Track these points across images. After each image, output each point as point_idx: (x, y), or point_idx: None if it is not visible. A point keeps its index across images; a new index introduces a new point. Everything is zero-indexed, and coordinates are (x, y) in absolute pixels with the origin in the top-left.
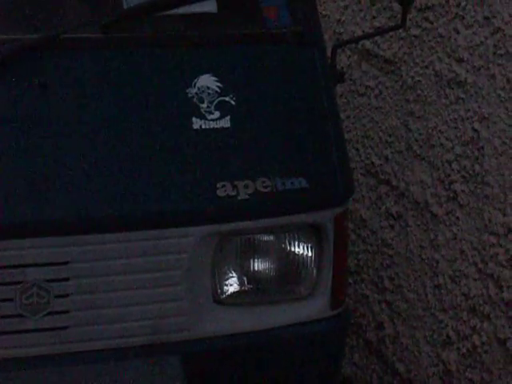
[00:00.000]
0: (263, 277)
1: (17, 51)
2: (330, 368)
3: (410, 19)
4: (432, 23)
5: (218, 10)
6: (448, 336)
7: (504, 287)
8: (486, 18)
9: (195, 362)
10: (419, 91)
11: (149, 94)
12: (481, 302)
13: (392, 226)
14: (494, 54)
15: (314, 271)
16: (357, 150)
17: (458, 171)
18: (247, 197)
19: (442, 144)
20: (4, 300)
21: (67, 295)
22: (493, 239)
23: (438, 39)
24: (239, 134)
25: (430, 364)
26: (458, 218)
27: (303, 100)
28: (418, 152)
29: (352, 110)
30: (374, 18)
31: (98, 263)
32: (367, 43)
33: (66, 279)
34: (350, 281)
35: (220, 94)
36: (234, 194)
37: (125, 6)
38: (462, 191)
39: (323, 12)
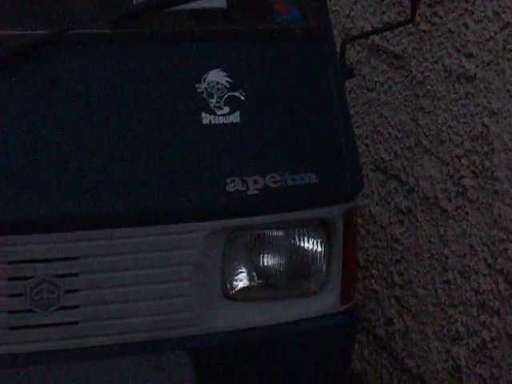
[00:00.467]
0: (273, 272)
1: (25, 47)
2: (339, 363)
3: (419, 14)
4: (441, 18)
5: (227, 5)
6: (458, 331)
7: None
8: (496, 13)
9: (204, 357)
10: (428, 86)
11: (158, 90)
12: (490, 297)
13: (401, 222)
14: (504, 48)
15: (324, 266)
16: (366, 145)
17: (468, 166)
18: (257, 192)
19: (451, 139)
20: (14, 295)
21: (77, 290)
22: (502, 234)
23: (448, 34)
24: (249, 129)
25: (440, 359)
26: (467, 213)
27: (313, 95)
28: (428, 147)
29: (361, 106)
30: (383, 13)
31: (107, 258)
32: (376, 38)
33: (76, 274)
34: (359, 276)
35: (229, 89)
36: (243, 189)
37: (134, 2)
38: (472, 186)
39: (333, 7)
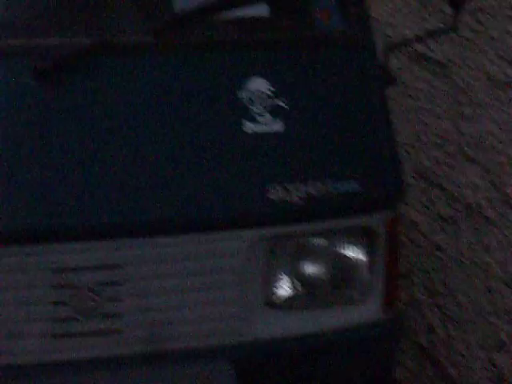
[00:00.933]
0: (315, 280)
1: (69, 55)
2: (382, 373)
3: (461, 21)
4: (483, 25)
5: (269, 13)
6: (501, 340)
7: None
8: None
9: (247, 366)
10: (471, 93)
11: (200, 98)
12: None
13: (444, 229)
14: None
15: (366, 275)
16: (408, 153)
17: (511, 174)
18: (299, 200)
19: (494, 146)
20: (58, 303)
21: (120, 299)
22: None
23: (490, 41)
24: (291, 137)
25: (483, 368)
26: (510, 220)
27: (355, 103)
28: (470, 155)
29: (403, 113)
30: (425, 20)
31: (150, 266)
32: (418, 46)
33: (119, 283)
34: (401, 284)
35: (272, 97)
36: (285, 196)
37: (176, 11)
38: None
39: (374, 15)
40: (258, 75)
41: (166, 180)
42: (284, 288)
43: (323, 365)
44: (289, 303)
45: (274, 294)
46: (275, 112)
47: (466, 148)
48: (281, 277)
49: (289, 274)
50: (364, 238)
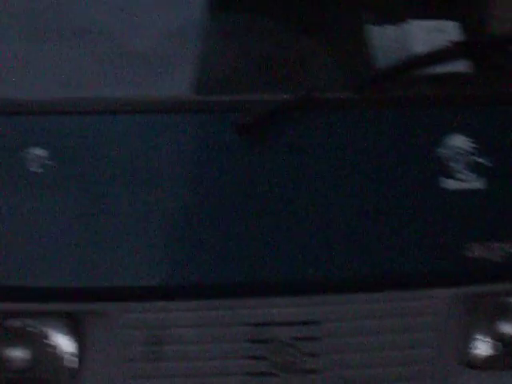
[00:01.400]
0: None
1: (269, 112)
2: None
3: None
4: None
5: (467, 69)
6: None
7: None
8: None
9: None
10: None
11: (398, 154)
12: None
13: None
14: None
15: None
16: None
17: None
18: (498, 258)
19: None
20: (256, 357)
21: (317, 354)
22: None
23: None
24: (491, 196)
25: None
26: None
27: None
28: None
29: None
30: None
31: (348, 323)
32: None
33: (317, 338)
34: None
35: (472, 155)
36: (484, 255)
37: (376, 66)
38: None
39: None
40: (459, 132)
41: (361, 237)
42: (482, 348)
43: None
44: (488, 363)
45: (471, 353)
46: (476, 169)
47: None
48: (479, 336)
49: (487, 334)
50: None
